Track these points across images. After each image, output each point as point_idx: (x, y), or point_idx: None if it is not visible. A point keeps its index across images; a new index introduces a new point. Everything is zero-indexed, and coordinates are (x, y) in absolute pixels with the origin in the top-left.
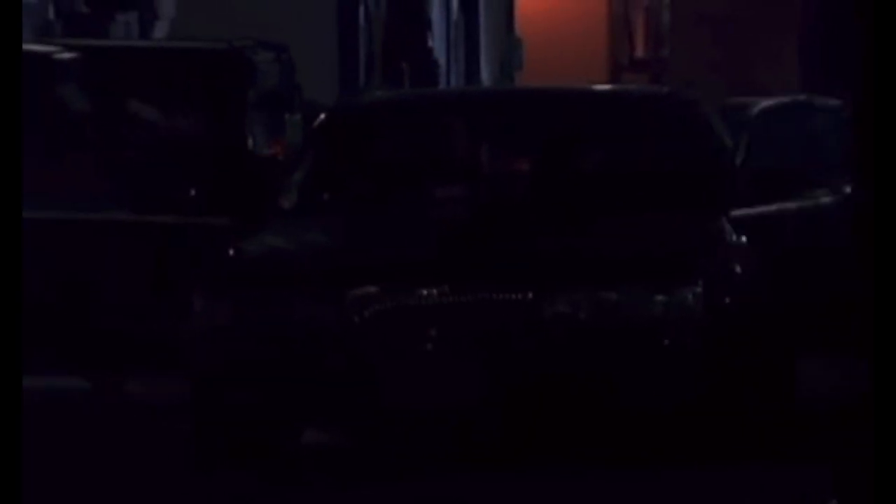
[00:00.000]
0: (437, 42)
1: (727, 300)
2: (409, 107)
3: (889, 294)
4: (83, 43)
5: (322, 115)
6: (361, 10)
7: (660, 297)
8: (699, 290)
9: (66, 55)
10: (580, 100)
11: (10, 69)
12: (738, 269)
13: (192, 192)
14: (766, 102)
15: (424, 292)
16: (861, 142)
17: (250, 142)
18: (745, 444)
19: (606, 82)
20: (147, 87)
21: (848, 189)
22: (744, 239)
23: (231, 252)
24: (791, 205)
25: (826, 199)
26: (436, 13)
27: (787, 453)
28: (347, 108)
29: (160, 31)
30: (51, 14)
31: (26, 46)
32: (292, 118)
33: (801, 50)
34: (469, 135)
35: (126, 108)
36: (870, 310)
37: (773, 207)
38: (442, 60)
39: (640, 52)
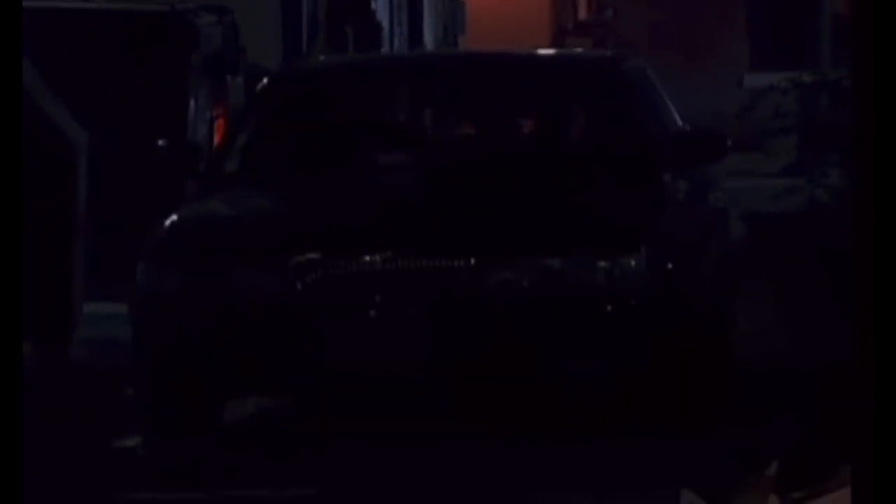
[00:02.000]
0: (380, 5)
1: (670, 266)
2: (352, 71)
3: (889, 285)
4: (24, 4)
5: (265, 80)
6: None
7: (602, 264)
8: (642, 256)
9: None
10: (521, 65)
11: (9, 66)
12: (681, 234)
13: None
14: None
15: (368, 258)
16: (861, 124)
17: (192, 105)
18: (688, 410)
19: (550, 46)
20: (89, 50)
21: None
22: (691, 202)
23: (174, 218)
24: None
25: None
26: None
27: (728, 420)
28: (290, 72)
29: None
30: None
31: None
32: (235, 81)
33: (750, 15)
34: (413, 100)
35: (68, 72)
36: (869, 301)
37: None
38: (385, 24)
39: (583, 15)
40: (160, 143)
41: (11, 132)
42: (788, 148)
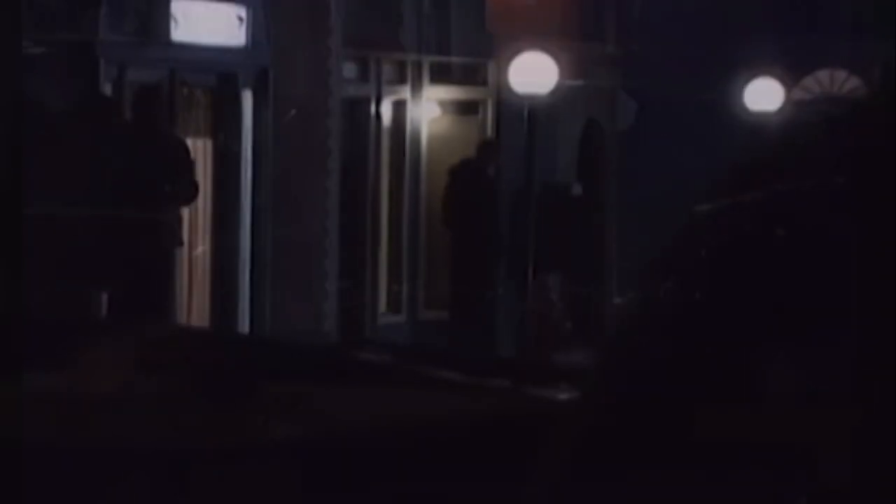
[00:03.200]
0: (407, 37)
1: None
2: None
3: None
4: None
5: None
6: (332, 2)
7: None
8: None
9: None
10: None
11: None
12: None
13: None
14: None
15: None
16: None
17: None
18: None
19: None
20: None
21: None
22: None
23: None
24: None
25: None
26: (406, 7)
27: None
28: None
29: None
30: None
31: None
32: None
33: (780, 43)
34: None
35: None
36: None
37: None
38: (412, 56)
39: (612, 48)
40: None
41: (11, 153)
42: None
